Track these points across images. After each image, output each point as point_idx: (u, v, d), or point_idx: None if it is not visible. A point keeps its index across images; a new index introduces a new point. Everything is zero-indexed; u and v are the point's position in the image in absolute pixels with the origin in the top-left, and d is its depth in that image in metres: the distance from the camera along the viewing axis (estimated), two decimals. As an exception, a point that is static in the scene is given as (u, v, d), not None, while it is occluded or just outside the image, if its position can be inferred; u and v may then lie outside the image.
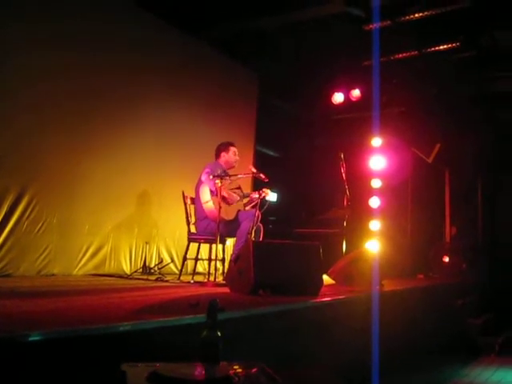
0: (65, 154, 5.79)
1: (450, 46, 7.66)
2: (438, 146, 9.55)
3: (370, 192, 8.96)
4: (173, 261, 7.13)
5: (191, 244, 5.77)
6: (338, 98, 9.22)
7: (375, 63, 7.14)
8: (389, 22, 7.08)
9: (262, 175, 5.71)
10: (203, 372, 1.97)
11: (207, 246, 5.63)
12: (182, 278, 5.69)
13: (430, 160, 9.53)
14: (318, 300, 4.06)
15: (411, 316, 5.49)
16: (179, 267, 6.25)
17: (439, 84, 8.85)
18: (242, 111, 8.85)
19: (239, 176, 5.70)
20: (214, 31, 7.58)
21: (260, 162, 8.60)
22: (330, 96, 9.24)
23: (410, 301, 5.73)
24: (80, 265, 5.93)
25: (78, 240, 5.95)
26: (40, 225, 5.50)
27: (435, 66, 8.28)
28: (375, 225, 8.78)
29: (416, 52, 7.97)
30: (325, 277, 4.98)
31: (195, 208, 5.78)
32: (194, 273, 5.76)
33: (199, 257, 5.84)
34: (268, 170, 5.90)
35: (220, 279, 5.26)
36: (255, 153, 9.16)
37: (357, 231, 8.14)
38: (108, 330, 2.28)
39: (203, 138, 5.91)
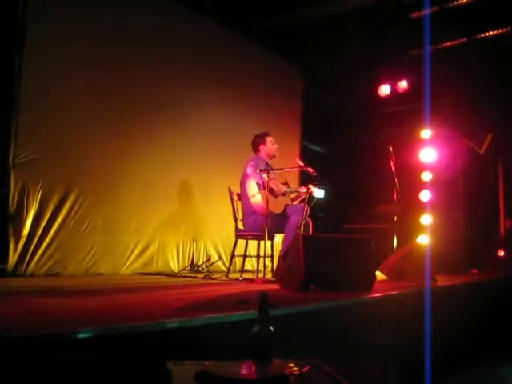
0: (108, 153, 5.81)
1: (499, 31, 7.39)
2: (489, 136, 9.24)
3: (421, 185, 8.77)
4: (221, 258, 7.08)
5: (239, 241, 5.69)
6: (385, 90, 9.02)
7: (426, 52, 6.93)
8: (436, 9, 6.86)
9: (309, 169, 5.57)
10: (255, 370, 1.81)
11: (255, 242, 5.56)
12: (230, 275, 5.61)
13: (482, 151, 9.23)
14: (371, 296, 3.90)
15: (467, 312, 5.28)
16: (227, 265, 6.18)
17: (489, 72, 8.54)
18: (288, 107, 8.79)
19: (286, 169, 5.57)
20: (255, 25, 7.49)
21: (307, 158, 8.46)
22: (376, 88, 9.05)
23: (465, 296, 5.52)
24: (127, 263, 5.95)
25: (125, 239, 5.96)
26: (86, 224, 5.53)
27: (485, 53, 7.99)
28: (426, 219, 8.57)
29: (465, 39, 7.72)
30: (377, 273, 4.83)
31: (242, 203, 5.69)
32: (243, 270, 5.69)
33: (247, 254, 5.76)
34: (315, 166, 5.75)
35: (269, 276, 5.16)
36: (301, 149, 9.07)
37: (408, 226, 8.00)
38: (155, 327, 2.21)
39: (249, 135, 5.84)
